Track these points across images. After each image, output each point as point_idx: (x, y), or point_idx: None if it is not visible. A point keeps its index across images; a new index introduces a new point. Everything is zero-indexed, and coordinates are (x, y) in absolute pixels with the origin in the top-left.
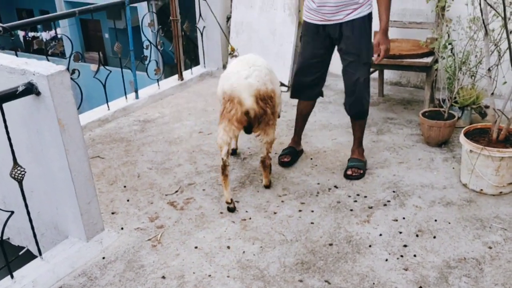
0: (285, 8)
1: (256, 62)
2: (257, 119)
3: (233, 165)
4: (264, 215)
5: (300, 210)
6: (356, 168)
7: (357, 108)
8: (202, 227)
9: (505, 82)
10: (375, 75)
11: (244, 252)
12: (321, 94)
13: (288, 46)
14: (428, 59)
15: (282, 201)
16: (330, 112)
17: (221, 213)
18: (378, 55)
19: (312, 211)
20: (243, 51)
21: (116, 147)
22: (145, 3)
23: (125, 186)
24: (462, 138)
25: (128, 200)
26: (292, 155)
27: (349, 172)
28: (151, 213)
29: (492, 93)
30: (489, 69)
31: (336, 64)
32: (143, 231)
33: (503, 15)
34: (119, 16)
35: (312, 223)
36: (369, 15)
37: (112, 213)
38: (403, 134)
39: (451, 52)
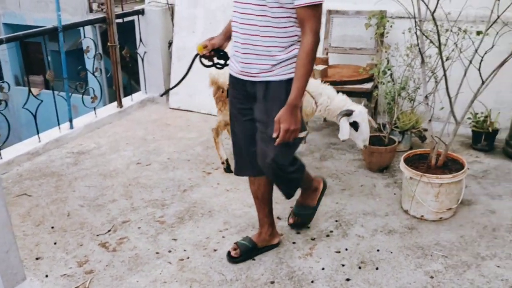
0: None
1: None
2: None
3: (172, 198)
4: (204, 253)
5: None
6: (298, 217)
7: (283, 191)
8: (136, 270)
9: (442, 108)
10: None
11: None
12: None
13: None
14: (369, 85)
15: (223, 237)
16: None
17: (157, 253)
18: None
19: None
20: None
21: (45, 183)
22: (88, 27)
23: (52, 227)
24: (402, 165)
25: (55, 243)
26: (244, 252)
27: (290, 221)
28: (80, 256)
29: (430, 120)
30: (426, 96)
31: None
32: (70, 278)
33: (437, 44)
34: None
35: (253, 259)
36: (290, 81)
37: (37, 259)
38: (346, 159)
39: (391, 77)
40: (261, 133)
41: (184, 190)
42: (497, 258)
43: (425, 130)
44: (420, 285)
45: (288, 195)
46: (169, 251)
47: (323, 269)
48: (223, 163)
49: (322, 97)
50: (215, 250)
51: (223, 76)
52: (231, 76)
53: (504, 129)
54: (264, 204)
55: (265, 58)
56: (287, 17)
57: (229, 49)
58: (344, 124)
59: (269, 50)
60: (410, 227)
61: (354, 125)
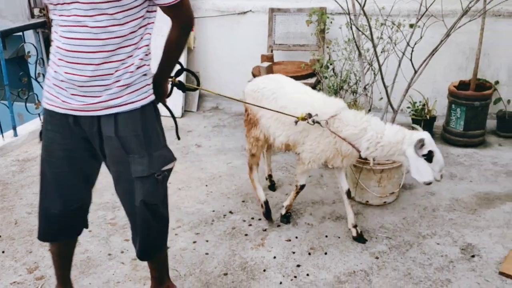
0: None
1: None
2: None
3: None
4: None
5: (194, 242)
6: None
7: (145, 243)
8: (88, 272)
9: (381, 98)
10: None
11: None
12: (85, 225)
13: None
14: (312, 80)
15: (176, 234)
16: (224, 136)
17: (109, 254)
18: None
19: (207, 241)
20: None
21: None
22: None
23: (0, 236)
24: None
25: (3, 252)
26: None
27: None
28: (29, 263)
29: (369, 110)
30: (364, 88)
31: (228, 87)
32: (20, 285)
33: (371, 38)
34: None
35: (207, 253)
36: (153, 104)
37: None
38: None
39: (333, 71)
40: (122, 173)
41: None
42: (437, 236)
43: None
44: (366, 266)
45: (153, 250)
46: (122, 252)
47: (274, 257)
48: (261, 206)
49: (368, 133)
50: (168, 248)
51: (250, 95)
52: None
53: (441, 116)
54: (67, 264)
55: (114, 75)
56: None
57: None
58: (420, 161)
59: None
60: (356, 213)
61: (428, 155)
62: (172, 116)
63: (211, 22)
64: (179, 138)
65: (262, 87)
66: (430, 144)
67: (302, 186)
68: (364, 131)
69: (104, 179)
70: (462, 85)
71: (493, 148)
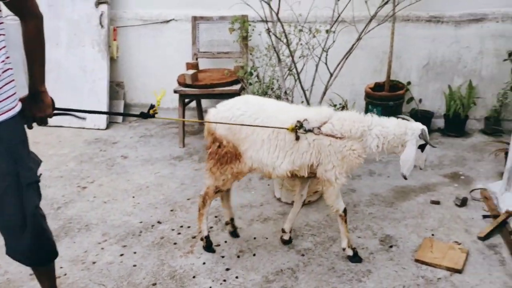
0: (94, 44)
1: None
2: None
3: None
4: (82, 267)
5: (121, 254)
6: None
7: (43, 249)
8: None
9: (302, 102)
10: (193, 104)
11: None
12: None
13: (101, 82)
14: (237, 87)
15: (102, 248)
16: (152, 146)
17: (31, 275)
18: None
19: (135, 253)
20: (52, 90)
21: None
22: None
23: None
24: None
25: None
26: None
27: None
28: None
29: None
30: (285, 92)
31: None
32: None
33: (287, 44)
34: None
35: (134, 265)
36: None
37: None
38: None
39: (257, 78)
40: (8, 187)
41: (58, 208)
42: (358, 230)
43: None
44: (293, 263)
45: (50, 252)
46: None
47: (204, 263)
48: (202, 239)
49: (376, 129)
50: (94, 263)
51: (222, 126)
52: None
53: None
54: None
55: None
56: None
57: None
58: (417, 151)
59: None
60: (282, 213)
61: (423, 145)
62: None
63: (134, 31)
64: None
65: (239, 114)
66: (427, 136)
67: (345, 211)
68: (370, 129)
69: None
70: (377, 86)
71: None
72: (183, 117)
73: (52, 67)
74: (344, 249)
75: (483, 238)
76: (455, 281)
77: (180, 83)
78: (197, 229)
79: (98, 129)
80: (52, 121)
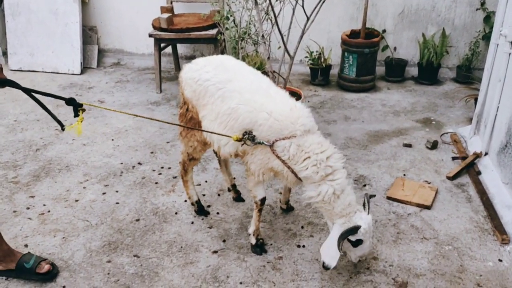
0: None
1: None
2: None
3: (25, 158)
4: (65, 204)
5: (104, 193)
6: None
7: None
8: None
9: (279, 47)
10: (169, 50)
11: (45, 246)
12: None
13: (74, 26)
14: (213, 31)
15: (84, 187)
16: (128, 91)
17: (14, 211)
18: None
19: (117, 191)
20: (22, 34)
21: None
22: None
23: None
24: None
25: None
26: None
27: None
28: None
29: (268, 57)
30: (262, 36)
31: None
32: None
33: None
34: None
35: (117, 203)
36: None
37: None
38: None
39: (234, 23)
40: None
41: (37, 150)
42: None
43: (274, 72)
44: (271, 200)
45: None
46: (28, 208)
47: (185, 201)
48: (192, 204)
49: (332, 185)
50: (76, 201)
51: (189, 85)
52: None
53: (336, 64)
54: None
55: None
56: None
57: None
58: (337, 247)
59: None
60: None
61: (356, 242)
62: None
63: None
64: (62, 126)
65: (205, 79)
66: (365, 234)
67: (263, 200)
68: (326, 178)
69: (2, 139)
70: (354, 34)
71: (382, 91)
72: (159, 62)
73: (20, 11)
74: (249, 235)
75: (451, 178)
76: (424, 216)
77: (155, 27)
78: (186, 195)
79: (73, 74)
80: (24, 65)
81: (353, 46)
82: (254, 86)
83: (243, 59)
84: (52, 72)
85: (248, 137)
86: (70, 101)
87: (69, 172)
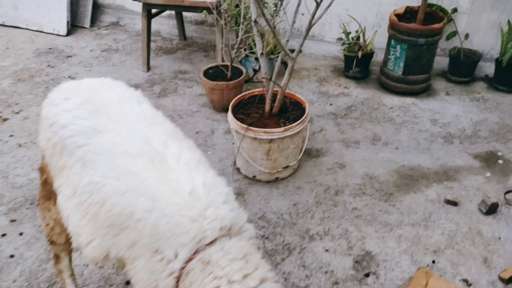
0: None
1: None
2: None
3: None
4: None
5: (3, 235)
6: None
7: None
8: None
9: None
10: (172, 13)
11: None
12: None
13: None
14: None
15: None
16: (111, 65)
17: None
18: None
19: (21, 234)
20: None
21: None
22: None
23: None
24: (229, 113)
25: None
26: None
27: None
28: None
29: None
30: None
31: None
32: None
33: None
34: None
35: (11, 256)
36: None
37: None
38: (191, 95)
39: None
40: None
41: None
42: (328, 237)
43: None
44: None
45: None
46: None
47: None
48: None
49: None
50: None
51: (44, 129)
52: None
53: (381, 51)
54: None
55: None
56: None
57: None
58: None
59: None
60: (237, 193)
61: None
62: None
63: None
64: None
65: (62, 124)
66: None
67: None
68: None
69: None
70: (409, 12)
71: (437, 97)
72: (147, 33)
73: None
74: None
75: (506, 281)
76: None
77: None
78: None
79: (58, 35)
80: (8, 20)
81: (403, 33)
82: (137, 142)
83: (252, 41)
84: (36, 31)
85: None
86: None
87: None
